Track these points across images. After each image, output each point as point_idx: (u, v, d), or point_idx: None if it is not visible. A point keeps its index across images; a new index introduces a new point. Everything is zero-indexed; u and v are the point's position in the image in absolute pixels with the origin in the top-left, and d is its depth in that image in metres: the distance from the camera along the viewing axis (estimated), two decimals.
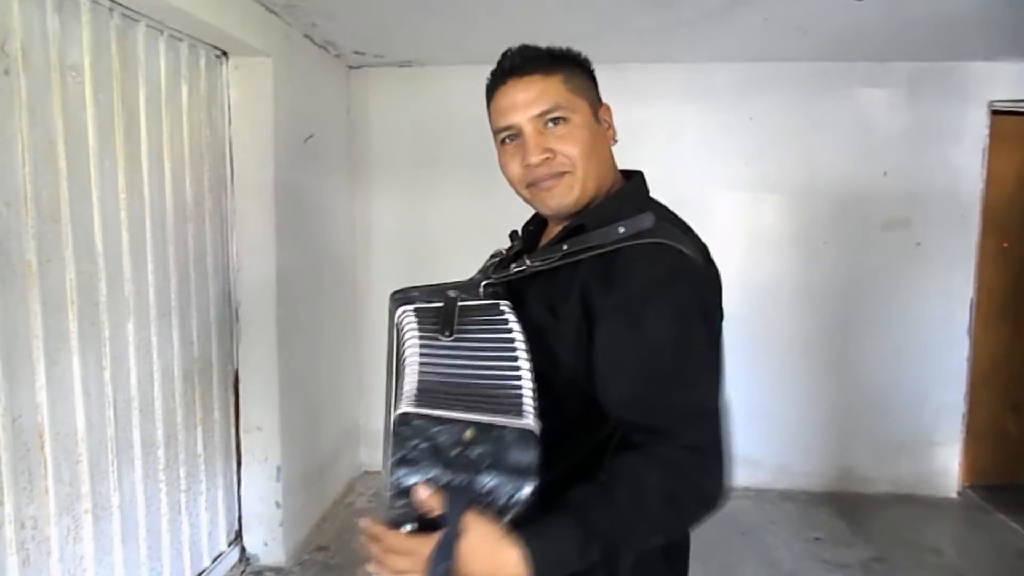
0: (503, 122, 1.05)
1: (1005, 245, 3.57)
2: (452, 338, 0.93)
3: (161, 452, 2.27)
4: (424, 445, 0.80)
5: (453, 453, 0.79)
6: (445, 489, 0.80)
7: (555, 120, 1.02)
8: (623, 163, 1.14)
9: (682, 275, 0.94)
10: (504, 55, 1.07)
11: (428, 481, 0.80)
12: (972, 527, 3.31)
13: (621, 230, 0.98)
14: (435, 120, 3.64)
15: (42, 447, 1.77)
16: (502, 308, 1.00)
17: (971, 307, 3.53)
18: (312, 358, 3.16)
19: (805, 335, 3.60)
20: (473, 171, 3.50)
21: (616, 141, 1.11)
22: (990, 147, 3.46)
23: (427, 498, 0.80)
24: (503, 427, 0.81)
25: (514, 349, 0.92)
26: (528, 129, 1.03)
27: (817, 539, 3.16)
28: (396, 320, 1.02)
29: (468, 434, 0.80)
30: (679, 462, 0.87)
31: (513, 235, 1.26)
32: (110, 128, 2.01)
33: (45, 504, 1.78)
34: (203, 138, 2.51)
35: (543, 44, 1.08)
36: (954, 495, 3.60)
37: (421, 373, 0.88)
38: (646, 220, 0.98)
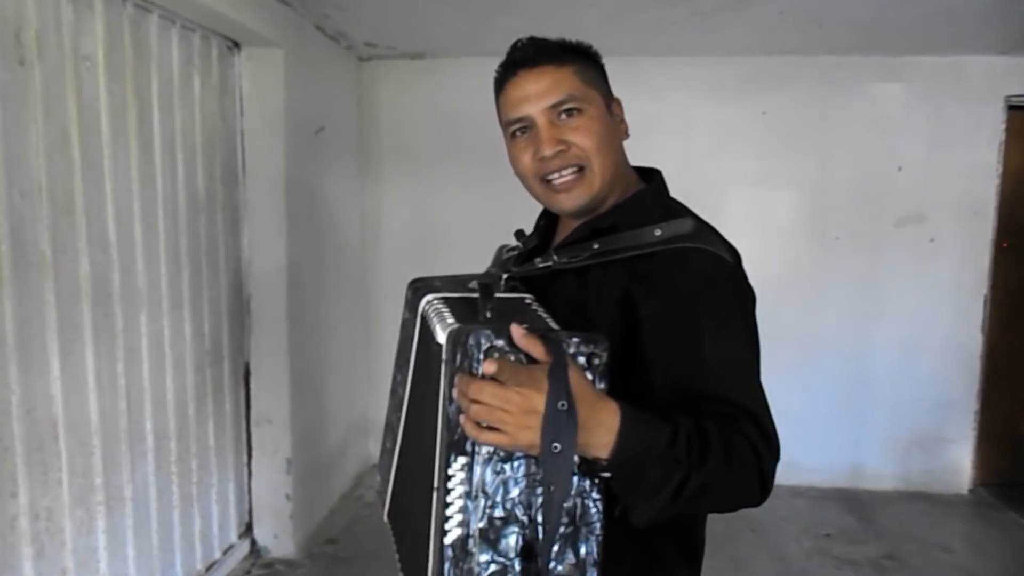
0: (515, 114, 1.02)
1: (1004, 245, 3.53)
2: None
3: (173, 444, 2.27)
4: (495, 310, 0.82)
5: (527, 318, 0.79)
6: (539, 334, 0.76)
7: (569, 111, 0.99)
8: (634, 157, 1.11)
9: (726, 280, 0.95)
10: (514, 46, 1.04)
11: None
12: (983, 525, 3.29)
13: (658, 232, 0.95)
14: (445, 113, 3.62)
15: (56, 439, 1.77)
16: (527, 301, 0.97)
17: (985, 304, 3.51)
18: (322, 350, 3.16)
19: (817, 331, 3.58)
20: (482, 164, 3.47)
21: (628, 136, 1.09)
22: (1006, 143, 3.42)
23: (522, 337, 0.75)
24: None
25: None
26: (541, 121, 0.99)
27: (827, 536, 3.15)
28: (422, 309, 0.97)
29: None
30: (756, 441, 0.84)
31: (519, 234, 1.22)
32: (123, 119, 2.00)
33: (59, 496, 1.78)
34: (215, 129, 2.50)
35: (555, 36, 1.05)
36: (965, 493, 3.59)
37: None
38: (685, 224, 0.96)
